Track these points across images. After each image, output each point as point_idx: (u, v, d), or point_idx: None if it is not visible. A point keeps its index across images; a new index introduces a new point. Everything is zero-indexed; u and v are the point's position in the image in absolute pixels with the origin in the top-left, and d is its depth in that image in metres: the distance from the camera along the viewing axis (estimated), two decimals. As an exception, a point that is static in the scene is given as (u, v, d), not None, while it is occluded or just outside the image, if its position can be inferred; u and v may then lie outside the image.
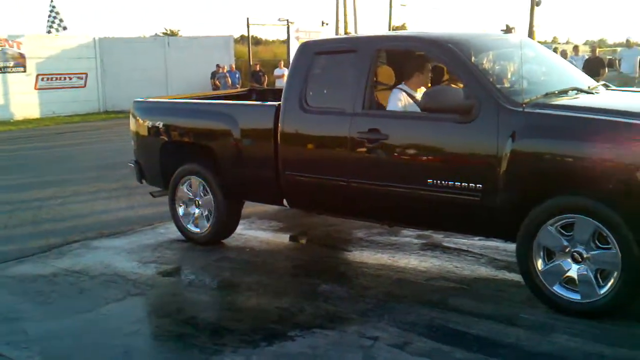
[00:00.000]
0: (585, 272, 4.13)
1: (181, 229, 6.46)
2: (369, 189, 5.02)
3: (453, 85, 4.98)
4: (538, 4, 29.00)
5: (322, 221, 6.79)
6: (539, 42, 19.49)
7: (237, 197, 6.18)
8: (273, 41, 40.39)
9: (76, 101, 23.52)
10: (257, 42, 38.77)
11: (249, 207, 6.64)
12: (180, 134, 6.37)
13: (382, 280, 5.14)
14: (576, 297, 4.19)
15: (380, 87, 5.34)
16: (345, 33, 29.55)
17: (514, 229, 4.37)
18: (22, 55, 22.50)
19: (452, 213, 4.69)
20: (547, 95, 4.70)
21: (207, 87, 22.90)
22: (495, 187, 4.35)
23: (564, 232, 4.18)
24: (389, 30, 34.99)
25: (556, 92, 4.82)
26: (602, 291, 4.08)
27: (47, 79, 23.21)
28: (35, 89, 22.94)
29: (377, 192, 4.99)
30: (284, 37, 27.66)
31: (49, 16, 23.60)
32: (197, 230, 6.33)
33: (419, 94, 5.34)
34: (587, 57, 18.72)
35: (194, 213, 6.35)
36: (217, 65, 23.67)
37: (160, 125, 6.42)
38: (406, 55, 5.51)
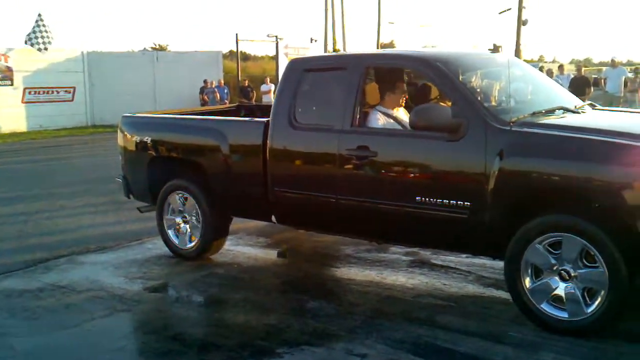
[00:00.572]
0: (573, 291, 4.15)
1: (169, 244, 6.44)
2: (357, 206, 5.04)
3: (442, 104, 5.02)
4: (525, 23, 29.29)
5: (310, 237, 6.79)
6: (525, 60, 19.70)
7: (225, 212, 6.17)
8: (262, 57, 40.53)
9: (63, 115, 23.44)
10: (246, 57, 38.83)
11: (237, 222, 6.62)
12: (168, 149, 6.37)
13: (370, 297, 5.14)
14: (564, 315, 4.21)
15: (365, 106, 5.36)
16: (334, 50, 29.74)
17: (502, 246, 4.39)
18: (9, 69, 22.44)
19: (441, 230, 4.71)
20: (534, 114, 4.74)
21: (195, 102, 22.90)
22: (483, 204, 4.38)
23: (552, 250, 4.21)
24: (377, 47, 35.22)
25: (543, 111, 4.87)
26: (590, 310, 4.10)
27: (35, 92, 23.12)
28: (23, 102, 22.85)
29: (365, 209, 5.00)
30: (272, 53, 27.84)
31: (35, 30, 23.46)
32: (185, 246, 6.31)
33: (399, 112, 5.38)
34: (572, 76, 18.95)
35: (182, 229, 6.33)
36: (205, 81, 23.70)
37: (149, 141, 6.41)
38: (380, 75, 5.56)
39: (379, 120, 5.22)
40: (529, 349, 4.07)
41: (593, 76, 22.11)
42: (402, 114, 5.41)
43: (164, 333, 4.60)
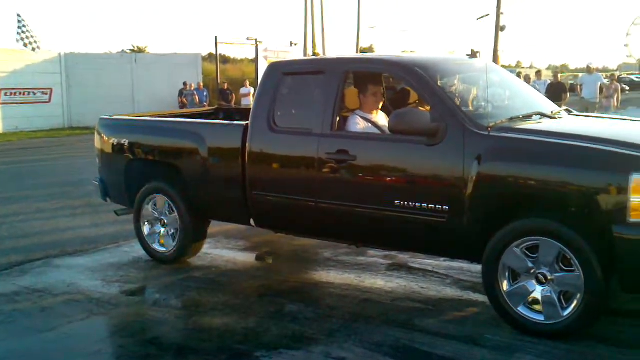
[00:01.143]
0: (549, 294, 4.19)
1: (146, 247, 6.39)
2: (336, 209, 5.04)
3: (420, 108, 5.04)
4: (503, 29, 29.62)
5: (289, 241, 6.79)
6: (503, 66, 19.88)
7: (203, 216, 6.14)
8: (241, 60, 40.49)
9: (40, 116, 23.24)
10: (226, 60, 38.80)
11: (215, 226, 6.60)
12: (146, 152, 6.32)
13: (348, 300, 5.14)
14: (540, 318, 4.25)
15: (343, 111, 5.35)
16: (314, 53, 29.74)
17: (480, 250, 4.42)
18: (-15, 70, 22.19)
19: (419, 234, 4.74)
20: (511, 119, 4.79)
21: (174, 105, 22.82)
22: (462, 208, 4.41)
23: (529, 253, 4.25)
24: (357, 51, 35.34)
25: (520, 116, 4.92)
26: (566, 313, 4.15)
27: (11, 93, 22.90)
28: (-1, 103, 22.61)
29: (345, 212, 5.01)
30: (252, 56, 27.76)
31: (22, 31, 23.26)
32: (163, 249, 6.27)
33: (378, 116, 5.40)
34: (549, 81, 19.14)
35: (160, 232, 6.29)
36: (184, 83, 23.61)
37: (126, 143, 6.37)
38: (359, 80, 5.56)
39: (358, 124, 5.23)
40: (505, 352, 4.10)
41: (569, 82, 22.40)
42: (382, 118, 5.43)
43: (141, 337, 4.57)
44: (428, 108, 4.84)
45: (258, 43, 25.74)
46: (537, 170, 4.20)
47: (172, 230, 6.18)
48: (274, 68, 5.70)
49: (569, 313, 4.13)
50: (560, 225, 4.08)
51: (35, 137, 20.92)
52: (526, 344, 4.19)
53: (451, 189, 4.47)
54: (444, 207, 4.49)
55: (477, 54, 5.76)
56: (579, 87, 19.38)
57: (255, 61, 26.57)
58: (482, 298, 5.04)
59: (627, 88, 38.32)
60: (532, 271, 4.25)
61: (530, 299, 4.28)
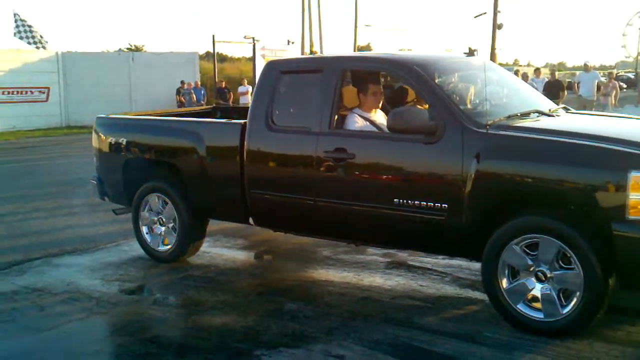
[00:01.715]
0: (549, 292, 4.20)
1: (145, 246, 6.39)
2: (335, 207, 5.05)
3: (418, 107, 5.05)
4: (500, 27, 29.60)
5: (288, 239, 6.79)
6: (500, 64, 19.87)
7: (202, 215, 6.14)
8: (239, 58, 40.49)
9: (38, 115, 23.22)
10: (223, 59, 38.78)
11: (214, 224, 6.60)
12: (144, 151, 6.32)
13: (347, 298, 5.15)
14: (539, 315, 4.26)
15: (341, 109, 5.34)
16: (311, 52, 29.76)
17: (479, 248, 4.43)
18: (-18, 69, 22.16)
19: (418, 232, 4.74)
20: (509, 117, 4.80)
21: (171, 103, 22.81)
22: (461, 206, 4.42)
23: (528, 251, 4.26)
24: (354, 50, 35.34)
25: (519, 114, 4.93)
26: (565, 311, 4.16)
27: (8, 92, 22.88)
28: (-4, 102, 22.58)
29: (343, 211, 5.02)
30: (249, 54, 27.77)
31: (24, 30, 23.29)
32: (161, 248, 6.26)
33: (376, 114, 5.40)
34: (547, 79, 19.15)
35: (159, 231, 6.29)
36: (182, 82, 23.59)
37: (124, 142, 6.36)
38: (358, 78, 5.55)
39: (356, 122, 5.23)
40: (504, 350, 4.11)
41: (567, 80, 22.40)
42: (380, 116, 5.43)
43: (141, 336, 4.57)
44: (426, 106, 4.85)
45: (255, 41, 25.75)
46: (535, 168, 4.21)
47: (171, 229, 6.17)
48: (271, 66, 5.70)
49: (569, 311, 4.14)
50: (559, 223, 4.09)
51: (32, 136, 20.89)
52: (525, 341, 4.20)
53: (450, 187, 4.47)
54: (443, 205, 4.50)
55: (475, 52, 5.77)
56: (576, 85, 19.41)
57: (252, 60, 26.59)
58: (481, 296, 5.05)
59: (624, 86, 38.39)
60: (532, 269, 4.25)
61: (529, 297, 4.29)
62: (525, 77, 19.57)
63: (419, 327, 4.50)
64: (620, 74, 48.06)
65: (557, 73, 21.16)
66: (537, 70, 21.68)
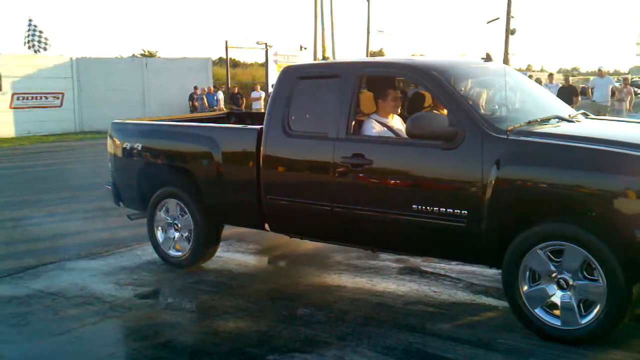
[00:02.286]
0: (569, 300, 4.14)
1: (160, 252, 6.37)
2: (352, 214, 5.01)
3: (434, 112, 5.02)
4: (513, 33, 29.57)
5: (300, 244, 6.79)
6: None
7: (217, 220, 6.12)
8: (251, 64, 40.63)
9: (52, 121, 23.38)
10: (236, 64, 38.89)
11: (227, 229, 6.60)
12: (159, 156, 6.32)
13: (360, 304, 5.14)
14: (557, 322, 4.21)
15: (358, 115, 5.31)
16: (324, 57, 29.81)
17: (499, 255, 4.38)
18: (-3, 74, 22.34)
19: (437, 239, 4.69)
20: (530, 123, 4.72)
21: (184, 109, 22.91)
22: (481, 213, 4.37)
23: (553, 257, 4.19)
24: (367, 55, 35.36)
25: (539, 120, 4.86)
26: (584, 321, 4.09)
27: (23, 98, 23.06)
28: (11, 107, 22.79)
29: (360, 217, 4.98)
30: (262, 60, 27.91)
31: (32, 35, 23.54)
32: (177, 253, 6.24)
33: (393, 120, 5.38)
34: (560, 85, 19.06)
35: (173, 236, 6.27)
36: (195, 87, 23.69)
37: (139, 147, 6.37)
38: (375, 83, 5.51)
39: (374, 128, 5.21)
40: (519, 356, 4.09)
41: (581, 85, 22.30)
42: (397, 122, 5.41)
43: (154, 340, 4.58)
44: (444, 112, 4.82)
45: (268, 47, 25.83)
46: (558, 174, 4.15)
47: (186, 235, 6.16)
48: (288, 72, 5.67)
49: (588, 321, 4.08)
50: (588, 233, 4.00)
51: (47, 141, 21.02)
52: (539, 348, 4.17)
53: (470, 193, 4.43)
54: (463, 211, 4.45)
55: (492, 57, 5.72)
56: (590, 90, 19.29)
57: (265, 65, 26.68)
58: (494, 302, 5.04)
59: (639, 91, 38.14)
60: (554, 275, 4.19)
61: (548, 303, 4.24)
62: (538, 82, 19.50)
63: (432, 333, 4.48)
64: (635, 79, 47.78)
65: (570, 78, 21.06)
66: (550, 76, 21.60)
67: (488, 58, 5.69)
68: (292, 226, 5.60)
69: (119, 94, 24.42)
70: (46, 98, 23.83)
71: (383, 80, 5.54)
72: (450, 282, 5.59)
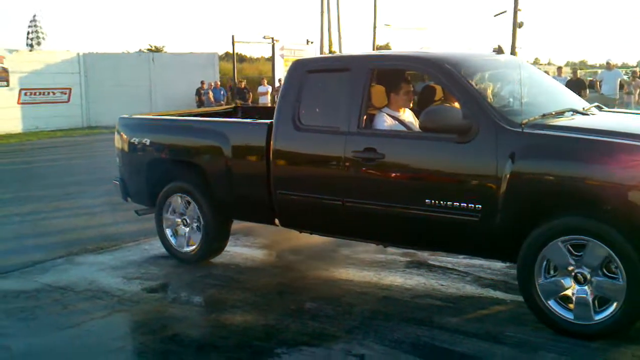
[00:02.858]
0: (585, 295, 4.10)
1: (168, 247, 6.35)
2: (364, 208, 4.97)
3: (448, 105, 4.97)
4: (520, 26, 29.39)
5: (308, 238, 6.78)
6: (521, 63, 19.66)
7: (226, 215, 6.09)
8: (258, 59, 40.65)
9: (59, 116, 23.44)
10: (242, 59, 38.94)
11: (235, 223, 6.60)
12: (168, 151, 6.28)
13: (368, 297, 5.14)
14: (569, 316, 4.17)
15: (370, 109, 5.24)
16: (330, 51, 29.76)
17: (513, 249, 4.33)
18: (5, 70, 22.43)
19: (451, 233, 4.65)
20: (544, 116, 4.66)
21: (191, 104, 22.92)
22: (495, 207, 4.32)
23: (573, 251, 4.13)
24: (373, 49, 35.27)
25: (553, 113, 4.80)
26: (598, 317, 4.06)
27: (31, 93, 23.14)
28: (19, 103, 22.87)
29: (373, 212, 4.94)
30: (268, 54, 27.90)
31: (30, 30, 23.69)
32: (185, 249, 6.21)
33: (405, 114, 5.35)
34: (568, 78, 18.98)
35: (182, 232, 6.24)
36: (202, 82, 23.71)
37: (147, 142, 6.33)
38: (386, 77, 5.44)
39: (385, 122, 5.16)
40: (527, 349, 4.08)
41: (588, 79, 22.20)
42: (409, 115, 5.35)
43: (162, 334, 4.60)
44: (455, 105, 4.78)
45: (275, 42, 25.81)
46: (574, 167, 4.11)
47: (195, 230, 6.14)
48: (297, 66, 5.62)
49: (603, 318, 4.04)
50: (612, 230, 3.94)
51: (54, 137, 21.10)
52: (548, 341, 4.16)
53: (484, 188, 4.39)
54: (477, 205, 4.40)
55: (503, 50, 5.65)
56: (598, 83, 19.21)
57: (272, 60, 26.65)
58: (502, 295, 5.03)
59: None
60: (571, 269, 4.14)
61: (562, 295, 4.19)
62: (546, 75, 19.38)
63: (440, 327, 4.48)
64: (642, 72, 47.44)
65: (579, 71, 20.97)
66: (559, 69, 21.51)
67: (499, 50, 5.63)
68: (303, 221, 5.55)
69: (126, 89, 24.45)
70: (53, 94, 23.90)
71: (395, 73, 5.48)
72: (458, 275, 5.59)
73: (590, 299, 4.09)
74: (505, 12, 30.10)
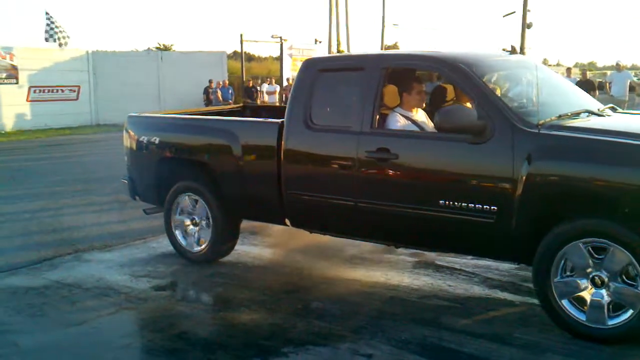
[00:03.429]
0: (600, 299, 4.06)
1: (177, 247, 6.32)
2: (377, 209, 4.92)
3: (463, 105, 4.93)
4: (529, 27, 29.31)
5: (315, 238, 6.77)
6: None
7: (236, 215, 6.05)
8: (266, 58, 40.64)
9: (68, 114, 23.50)
10: (250, 58, 38.95)
11: (242, 222, 6.60)
12: (177, 150, 6.24)
13: (375, 297, 5.13)
14: (581, 317, 4.13)
15: (382, 108, 5.19)
16: (338, 51, 29.73)
17: (528, 251, 4.28)
18: (14, 67, 22.51)
19: (465, 235, 4.61)
20: (560, 117, 4.61)
21: (199, 102, 22.94)
22: (511, 209, 4.27)
23: (594, 253, 4.08)
24: (381, 49, 35.23)
25: (569, 114, 4.74)
26: (612, 322, 4.03)
27: (40, 91, 23.22)
28: (28, 101, 22.96)
29: (386, 212, 4.89)
30: (277, 53, 27.92)
31: (50, 27, 23.76)
32: (195, 249, 6.18)
33: (418, 114, 5.30)
34: (578, 79, 18.91)
35: (191, 232, 6.21)
36: (210, 81, 23.74)
37: (157, 141, 6.28)
38: (399, 77, 5.38)
39: (398, 122, 5.11)
40: (535, 351, 4.07)
41: (598, 80, 22.10)
42: (421, 116, 5.30)
43: (170, 331, 4.61)
44: (468, 105, 4.74)
45: (283, 41, 25.82)
46: (594, 170, 4.06)
47: (204, 230, 6.11)
48: (309, 64, 5.58)
49: (616, 323, 4.01)
50: (636, 237, 3.88)
51: (63, 135, 21.15)
52: (556, 343, 4.15)
53: (500, 189, 4.33)
54: (492, 207, 4.35)
55: (517, 50, 5.61)
56: (607, 84, 19.13)
57: (280, 59, 26.66)
58: (510, 296, 5.02)
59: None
60: (590, 271, 4.08)
61: (577, 296, 4.15)
62: (555, 76, 19.30)
63: (447, 328, 4.47)
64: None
65: (588, 73, 20.88)
66: (568, 70, 21.41)
67: (513, 51, 5.59)
68: (315, 222, 5.50)
69: (135, 87, 24.49)
70: (62, 91, 23.97)
71: (408, 73, 5.43)
72: (466, 276, 5.57)
73: (605, 303, 4.04)
74: (514, 12, 30.03)
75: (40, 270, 6.04)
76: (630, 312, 3.96)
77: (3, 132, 21.41)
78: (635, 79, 20.20)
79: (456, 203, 4.51)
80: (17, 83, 22.59)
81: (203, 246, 6.12)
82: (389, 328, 4.49)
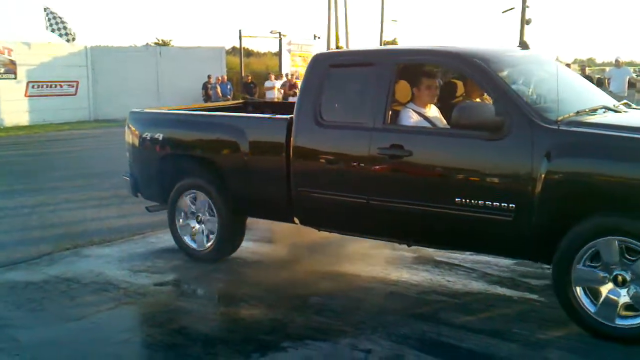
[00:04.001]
0: (616, 297, 4.00)
1: (181, 245, 6.23)
2: (390, 207, 4.84)
3: (479, 101, 4.88)
4: (528, 23, 29.31)
5: (315, 233, 6.76)
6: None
7: (242, 213, 5.98)
8: (265, 53, 40.51)
9: (67, 109, 23.48)
10: (249, 54, 38.83)
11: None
12: (181, 147, 6.15)
13: (374, 293, 5.14)
14: (591, 308, 4.07)
15: (394, 104, 5.10)
16: (337, 47, 29.69)
17: (547, 249, 4.22)
18: (13, 62, 22.48)
19: (482, 233, 4.53)
20: (579, 113, 4.51)
21: (198, 98, 22.92)
22: (530, 207, 4.19)
23: (626, 254, 3.98)
24: (380, 45, 35.19)
25: (587, 110, 4.65)
26: (620, 322, 3.98)
27: (38, 86, 23.18)
28: (26, 96, 22.92)
29: (399, 210, 4.80)
30: (275, 49, 27.87)
31: (56, 22, 23.68)
32: (200, 247, 6.09)
33: (430, 110, 5.21)
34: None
35: (196, 229, 6.14)
36: (209, 76, 23.71)
37: (160, 137, 6.18)
38: (412, 72, 5.27)
39: (411, 118, 5.02)
40: (535, 346, 4.08)
41: (597, 76, 22.08)
42: (434, 111, 5.22)
43: (169, 326, 4.61)
44: (477, 100, 4.71)
45: (282, 36, 25.80)
46: (617, 166, 3.99)
47: (209, 228, 6.02)
48: (319, 60, 5.50)
49: (625, 325, 3.97)
50: None
51: (61, 130, 21.12)
52: (555, 338, 4.16)
53: (518, 186, 4.24)
54: (510, 205, 4.27)
55: (529, 46, 5.58)
56: (607, 80, 19.12)
57: (278, 54, 26.64)
58: (509, 292, 5.03)
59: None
60: (614, 267, 4.00)
61: (592, 288, 4.10)
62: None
63: (446, 323, 4.47)
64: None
65: (587, 69, 20.87)
66: (567, 66, 21.40)
67: (525, 46, 5.55)
68: (325, 220, 5.40)
69: (133, 82, 24.48)
70: (61, 86, 23.94)
71: (420, 68, 5.33)
72: (464, 272, 5.58)
73: (620, 302, 3.98)
74: (513, 8, 30.02)
75: (40, 265, 6.04)
76: None
77: (1, 127, 21.38)
78: (634, 75, 20.16)
79: (473, 201, 4.42)
80: (15, 78, 22.55)
81: (209, 244, 6.03)
82: (388, 323, 4.49)
